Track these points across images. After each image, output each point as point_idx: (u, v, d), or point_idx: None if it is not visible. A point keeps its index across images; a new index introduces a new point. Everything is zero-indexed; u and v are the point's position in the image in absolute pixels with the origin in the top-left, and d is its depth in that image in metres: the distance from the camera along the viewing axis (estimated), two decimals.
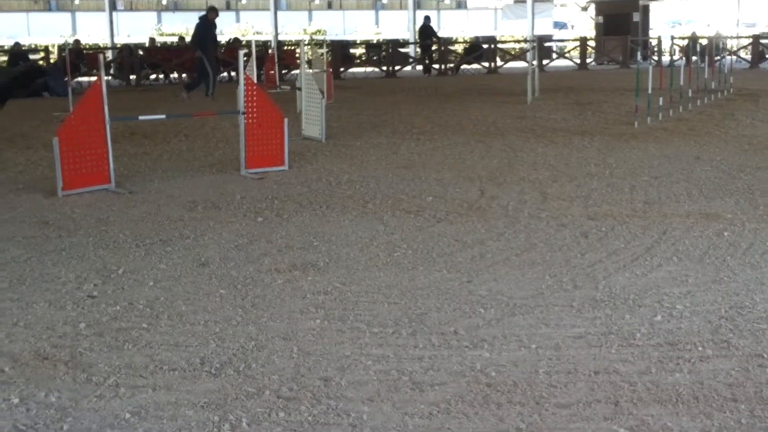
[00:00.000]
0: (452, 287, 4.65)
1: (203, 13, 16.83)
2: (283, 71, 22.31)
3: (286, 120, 8.54)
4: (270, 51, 22.82)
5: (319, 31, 38.18)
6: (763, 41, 29.02)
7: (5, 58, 23.48)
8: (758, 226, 5.91)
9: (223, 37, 31.12)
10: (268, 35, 30.15)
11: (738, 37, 30.82)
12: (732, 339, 3.82)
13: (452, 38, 31.96)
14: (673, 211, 6.42)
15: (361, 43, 32.04)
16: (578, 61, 28.32)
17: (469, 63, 27.21)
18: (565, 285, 4.65)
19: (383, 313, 4.23)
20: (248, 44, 22.27)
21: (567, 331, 3.95)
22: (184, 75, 23.67)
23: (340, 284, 4.73)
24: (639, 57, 14.70)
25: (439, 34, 29.39)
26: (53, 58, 23.06)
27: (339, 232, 5.93)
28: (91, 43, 28.40)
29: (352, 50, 28.76)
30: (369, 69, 26.52)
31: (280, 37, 28.59)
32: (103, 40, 28.44)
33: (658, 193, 7.13)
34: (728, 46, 25.07)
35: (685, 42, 24.64)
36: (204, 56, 16.14)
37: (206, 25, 16.40)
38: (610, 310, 4.22)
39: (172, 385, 3.43)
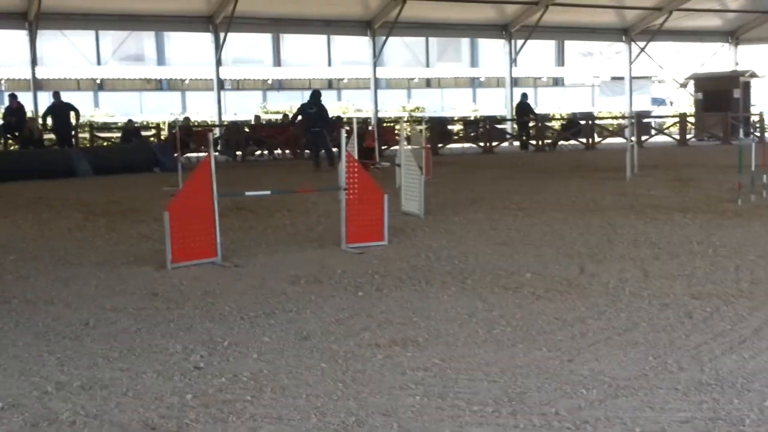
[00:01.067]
0: (553, 366, 4.61)
1: (312, 91, 19.71)
2: (383, 147, 22.69)
3: (386, 196, 8.69)
4: (370, 128, 23.28)
5: (418, 108, 38.75)
6: None
7: (119, 135, 24.55)
8: None
9: None
10: (368, 112, 30.77)
11: None
12: None
13: (549, 115, 32.01)
14: None
15: (459, 119, 32.37)
16: (678, 137, 27.94)
17: (567, 139, 27.16)
18: (669, 367, 4.56)
19: (483, 391, 4.22)
20: (349, 121, 22.79)
21: (673, 414, 3.87)
22: (287, 151, 24.33)
23: (440, 361, 4.74)
24: (741, 133, 14.43)
25: (537, 111, 29.48)
26: (164, 134, 24.02)
27: (438, 308, 5.97)
28: (199, 120, 29.48)
29: (449, 127, 29.07)
30: (466, 145, 26.73)
31: (380, 114, 29.16)
32: (211, 117, 29.50)
33: (765, 272, 6.94)
34: None
35: None
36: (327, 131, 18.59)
37: None
38: (717, 394, 4.11)
39: None
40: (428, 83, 43.08)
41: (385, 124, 26.64)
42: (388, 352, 4.93)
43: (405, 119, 24.03)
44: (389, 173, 14.45)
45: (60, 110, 20.97)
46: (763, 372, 4.42)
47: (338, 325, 5.57)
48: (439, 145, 24.89)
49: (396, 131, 25.41)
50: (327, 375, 4.53)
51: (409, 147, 16.20)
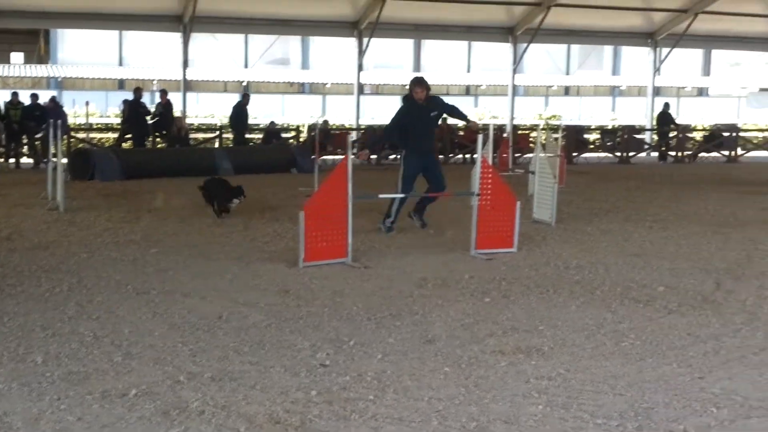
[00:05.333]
0: (682, 383, 4.49)
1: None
2: (516, 155, 22.49)
3: (518, 203, 8.63)
4: (505, 135, 23.12)
5: (555, 116, 38.22)
6: None
7: (261, 136, 25.26)
8: None
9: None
10: (503, 119, 30.57)
11: None
12: None
13: (691, 125, 30.93)
14: None
15: (596, 128, 31.72)
16: None
17: (708, 151, 26.20)
18: None
19: (608, 404, 4.15)
20: (485, 128, 22.70)
21: None
22: None
23: (565, 371, 4.69)
24: None
25: (678, 121, 28.58)
26: (302, 137, 24.54)
27: (565, 318, 5.89)
28: (337, 124, 29.96)
29: (586, 135, 28.52)
30: (602, 154, 26.18)
31: (516, 121, 28.89)
32: (349, 121, 29.95)
33: None
34: None
35: None
36: None
37: None
38: None
39: None
40: (567, 91, 42.41)
41: (520, 131, 26.37)
42: (512, 359, 4.91)
43: (541, 127, 23.73)
44: (522, 180, 14.31)
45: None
46: None
47: (463, 330, 5.58)
48: (574, 154, 24.46)
49: (531, 138, 25.15)
50: (450, 379, 4.55)
51: (544, 155, 16.00)
